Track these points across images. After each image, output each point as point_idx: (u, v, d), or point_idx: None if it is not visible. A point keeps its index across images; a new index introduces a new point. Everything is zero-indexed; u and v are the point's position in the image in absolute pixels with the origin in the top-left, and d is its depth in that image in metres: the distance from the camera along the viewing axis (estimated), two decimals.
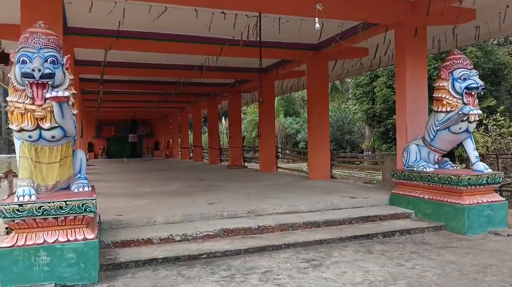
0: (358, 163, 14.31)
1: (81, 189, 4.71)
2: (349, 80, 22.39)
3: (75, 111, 4.55)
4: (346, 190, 8.34)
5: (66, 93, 4.01)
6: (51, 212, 4.07)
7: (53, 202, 4.08)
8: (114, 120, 31.53)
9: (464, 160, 13.62)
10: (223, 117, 30.83)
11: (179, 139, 27.73)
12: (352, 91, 19.38)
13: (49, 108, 4.12)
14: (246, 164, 16.94)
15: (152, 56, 11.06)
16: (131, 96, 17.98)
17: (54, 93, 3.93)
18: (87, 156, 28.78)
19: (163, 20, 7.17)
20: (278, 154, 14.30)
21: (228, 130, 17.72)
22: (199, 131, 22.86)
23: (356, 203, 7.06)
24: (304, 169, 20.27)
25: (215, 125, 20.08)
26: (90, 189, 4.82)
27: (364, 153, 20.32)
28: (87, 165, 15.96)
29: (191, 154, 24.30)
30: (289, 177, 11.77)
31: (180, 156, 26.99)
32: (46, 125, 4.15)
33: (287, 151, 23.13)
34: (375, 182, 12.87)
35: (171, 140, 30.21)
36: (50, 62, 4.11)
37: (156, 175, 13.37)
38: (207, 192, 8.47)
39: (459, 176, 5.95)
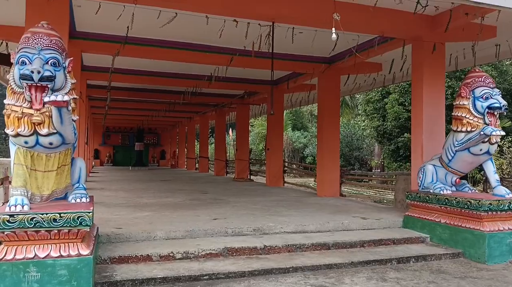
0: (367, 180, 13.91)
1: (78, 200, 4.45)
2: (358, 96, 22.14)
3: (76, 117, 4.29)
4: (357, 210, 7.99)
5: (66, 98, 3.75)
6: (44, 224, 3.79)
7: (47, 214, 3.81)
8: (121, 128, 31.49)
9: (477, 181, 13.19)
10: (230, 129, 30.67)
11: (186, 150, 27.53)
12: (362, 107, 19.11)
13: (47, 113, 3.87)
14: (252, 177, 16.63)
15: (161, 65, 10.90)
16: (138, 104, 17.84)
17: (53, 97, 3.68)
18: (93, 163, 28.97)
19: (173, 27, 6.96)
20: (286, 168, 13.99)
21: (235, 142, 17.47)
22: (205, 142, 22.64)
23: (367, 224, 6.70)
24: (311, 184, 19.95)
25: (222, 136, 19.86)
26: (88, 200, 4.55)
27: (373, 171, 19.93)
28: (92, 172, 15.89)
29: (196, 164, 24.04)
30: (297, 192, 11.43)
31: (186, 166, 26.74)
32: (44, 131, 3.90)
33: (294, 165, 22.80)
34: (385, 201, 12.47)
35: (177, 150, 30.01)
36: (51, 64, 3.88)
37: (160, 185, 13.10)
38: (211, 205, 8.16)
39: (479, 200, 5.59)
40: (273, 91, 13.42)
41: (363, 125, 21.85)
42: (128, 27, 6.32)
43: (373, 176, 11.99)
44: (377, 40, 7.71)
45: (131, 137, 31.24)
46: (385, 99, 17.83)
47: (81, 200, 4.45)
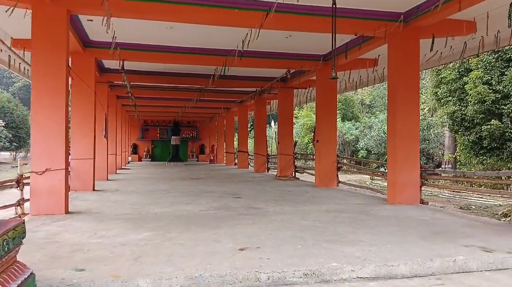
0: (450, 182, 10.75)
1: None
2: (424, 75, 18.56)
3: None
4: (461, 230, 5.25)
5: None
6: None
7: None
8: (159, 121, 30.09)
9: None
10: (273, 121, 28.15)
11: (224, 144, 25.42)
12: (431, 90, 15.77)
13: None
14: (297, 174, 14.06)
15: (184, 40, 8.96)
16: (169, 93, 15.84)
17: None
18: (130, 158, 27.74)
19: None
20: (340, 165, 11.31)
21: (277, 134, 14.98)
22: (245, 135, 20.30)
23: (496, 261, 3.99)
24: (370, 183, 17.05)
25: (262, 128, 17.38)
26: None
27: (443, 167, 16.62)
28: (122, 168, 14.46)
29: (236, 160, 21.82)
30: (358, 197, 8.73)
31: (225, 161, 24.65)
32: None
33: (344, 160, 19.88)
34: (473, 207, 9.43)
35: (216, 144, 28.01)
36: None
37: (187, 185, 10.90)
38: (240, 221, 5.73)
39: None
40: (323, 67, 10.82)
41: (427, 111, 18.38)
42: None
43: (477, 178, 8.90)
44: None
45: (169, 131, 29.71)
46: (463, 78, 14.41)
47: None
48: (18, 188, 6.09)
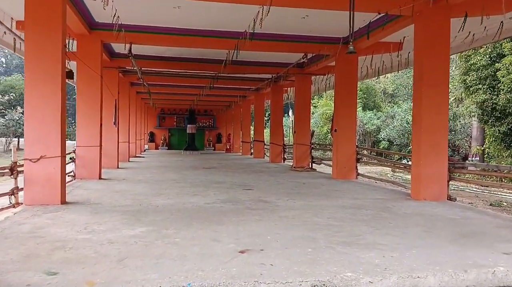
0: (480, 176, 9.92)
1: None
2: (451, 63, 17.44)
3: None
4: (495, 231, 4.62)
5: None
6: None
7: None
8: (176, 109, 29.86)
9: None
10: (290, 110, 27.43)
11: (241, 133, 24.90)
12: (459, 77, 14.71)
13: None
14: (314, 165, 13.43)
15: (194, 23, 8.41)
16: (181, 80, 15.37)
17: None
18: (146, 146, 27.69)
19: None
20: (359, 156, 10.62)
21: (293, 124, 14.35)
22: (261, 124, 19.72)
23: None
24: (391, 175, 16.25)
25: (279, 116, 16.74)
26: None
27: (470, 159, 15.66)
28: (137, 156, 14.42)
29: (252, 149, 21.31)
30: (378, 191, 8.08)
31: (241, 151, 24.18)
32: None
33: (365, 151, 19.08)
34: (505, 204, 8.63)
35: (232, 133, 27.56)
36: None
37: (198, 175, 10.46)
38: (246, 216, 5.21)
39: None
40: (343, 51, 10.07)
41: (453, 101, 17.30)
42: None
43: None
44: None
45: (186, 120, 29.44)
46: (496, 65, 13.35)
47: None
48: (12, 176, 5.73)
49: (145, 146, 27.44)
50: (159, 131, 30.23)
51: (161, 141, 30.26)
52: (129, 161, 14.98)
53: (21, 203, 5.74)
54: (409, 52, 9.92)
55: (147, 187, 7.88)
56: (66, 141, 6.16)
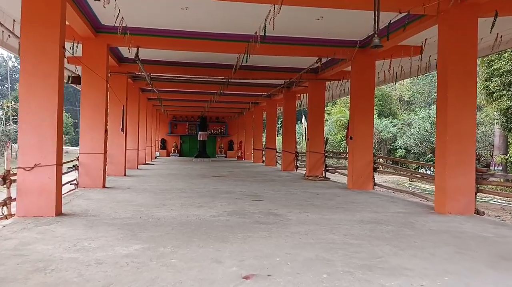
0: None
1: None
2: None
3: None
4: None
5: None
6: None
7: None
8: (187, 116, 29.64)
9: None
10: (304, 118, 26.92)
11: (252, 140, 24.47)
12: (482, 84, 14.03)
13: None
14: (328, 174, 12.87)
15: (203, 25, 8.07)
16: (191, 86, 15.02)
17: None
18: (157, 153, 27.50)
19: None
20: (376, 165, 10.04)
21: (306, 131, 13.85)
22: (273, 131, 19.25)
23: None
24: (409, 185, 15.52)
25: (291, 123, 16.26)
26: None
27: (492, 168, 14.88)
28: (146, 163, 14.20)
29: (263, 157, 20.83)
30: (398, 204, 7.50)
31: (252, 158, 23.72)
32: None
33: (380, 160, 18.40)
34: None
35: (244, 141, 27.14)
36: None
37: (206, 184, 10.01)
38: (254, 232, 4.72)
39: None
40: (359, 55, 9.58)
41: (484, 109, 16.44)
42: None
43: None
44: None
45: (197, 127, 29.20)
46: None
47: None
48: (5, 185, 5.37)
49: (156, 152, 27.22)
50: (171, 138, 30.02)
51: (173, 148, 30.04)
52: (137, 168, 14.66)
53: (14, 214, 5.37)
54: (430, 56, 9.40)
55: (150, 197, 7.46)
56: (71, 148, 5.80)
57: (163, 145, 29.86)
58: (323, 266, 3.45)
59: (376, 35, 4.76)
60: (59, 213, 5.48)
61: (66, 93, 46.48)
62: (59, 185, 5.52)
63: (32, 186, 5.28)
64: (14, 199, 5.37)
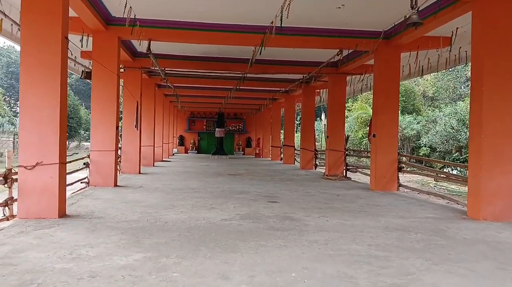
0: None
1: None
2: None
3: None
4: None
5: None
6: None
7: None
8: (205, 113, 29.41)
9: None
10: (323, 114, 26.27)
11: (270, 137, 24.00)
12: None
13: None
14: (349, 173, 12.31)
15: (217, 16, 7.61)
16: (208, 81, 14.66)
17: None
18: (175, 149, 27.40)
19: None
20: (401, 165, 9.44)
21: (326, 128, 13.30)
22: (291, 128, 18.74)
23: None
24: (434, 185, 14.77)
25: (310, 120, 15.71)
26: None
27: None
28: (163, 160, 13.96)
29: (281, 154, 20.35)
30: (425, 207, 6.91)
31: (270, 156, 23.27)
32: None
33: (404, 158, 17.65)
34: None
35: (261, 138, 26.70)
36: None
37: (220, 183, 9.63)
38: (268, 240, 4.28)
39: None
40: (383, 47, 8.99)
41: None
42: None
43: None
44: None
45: (215, 123, 28.95)
46: None
47: None
48: (6, 185, 5.10)
49: (174, 149, 27.09)
50: (189, 135, 29.86)
51: (191, 145, 29.87)
52: (153, 166, 14.42)
53: (16, 215, 5.09)
54: (460, 47, 8.74)
55: (161, 197, 7.12)
56: (82, 144, 5.50)
57: (181, 141, 29.70)
58: (346, 285, 2.99)
59: (414, 10, 4.17)
60: (62, 215, 5.18)
61: (87, 89, 46.99)
62: (62, 184, 5.22)
63: (34, 185, 4.99)
64: (16, 199, 5.09)
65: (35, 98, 5.01)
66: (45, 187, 5.01)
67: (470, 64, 7.08)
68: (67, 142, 32.43)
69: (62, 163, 5.18)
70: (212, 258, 3.58)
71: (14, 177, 5.16)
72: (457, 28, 7.51)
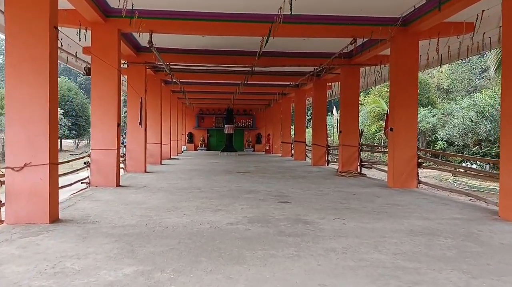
0: None
1: None
2: None
3: None
4: None
5: None
6: None
7: None
8: (214, 109, 29.03)
9: None
10: (335, 108, 25.62)
11: (281, 133, 23.47)
12: None
13: None
14: (363, 170, 11.74)
15: (221, 4, 7.07)
16: (214, 76, 14.19)
17: None
18: (185, 147, 27.06)
19: None
20: (421, 161, 8.85)
21: (338, 122, 12.73)
22: (302, 123, 18.18)
23: None
24: (452, 180, 14.08)
25: (322, 114, 15.12)
26: None
27: None
28: (171, 158, 13.47)
29: (292, 150, 19.82)
30: (451, 206, 6.33)
31: (281, 152, 22.76)
32: None
33: (419, 152, 16.95)
34: None
35: (271, 134, 26.18)
36: None
37: (228, 182, 9.17)
38: (278, 248, 3.78)
39: None
40: (400, 34, 8.41)
41: None
42: None
43: None
44: None
45: (224, 120, 28.53)
46: None
47: None
48: None
49: (183, 147, 26.75)
50: (198, 132, 29.52)
51: (200, 142, 29.54)
52: (161, 164, 14.03)
53: (4, 221, 4.70)
54: (484, 33, 8.09)
55: (165, 198, 6.68)
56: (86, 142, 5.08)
57: (190, 138, 29.39)
58: None
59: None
60: (54, 219, 4.77)
61: None
62: (54, 187, 4.80)
63: (22, 188, 4.58)
64: (4, 204, 4.69)
65: (23, 94, 4.58)
66: (34, 189, 4.60)
67: (487, 54, 6.46)
68: (76, 141, 32.33)
69: (53, 164, 4.76)
70: (214, 272, 3.11)
71: (1, 179, 4.75)
72: (482, 10, 6.89)
